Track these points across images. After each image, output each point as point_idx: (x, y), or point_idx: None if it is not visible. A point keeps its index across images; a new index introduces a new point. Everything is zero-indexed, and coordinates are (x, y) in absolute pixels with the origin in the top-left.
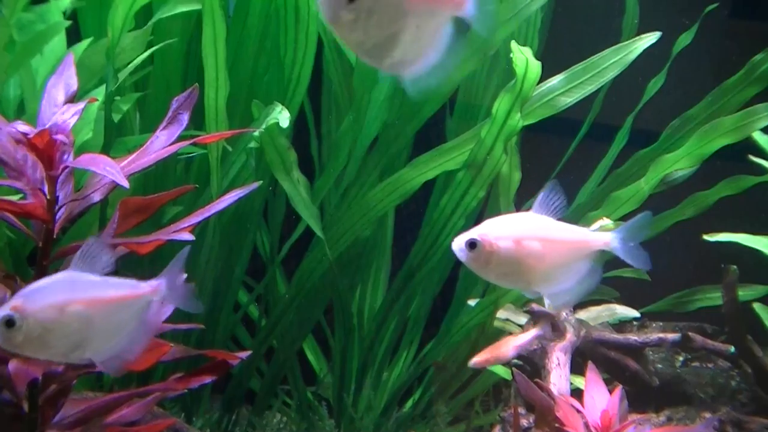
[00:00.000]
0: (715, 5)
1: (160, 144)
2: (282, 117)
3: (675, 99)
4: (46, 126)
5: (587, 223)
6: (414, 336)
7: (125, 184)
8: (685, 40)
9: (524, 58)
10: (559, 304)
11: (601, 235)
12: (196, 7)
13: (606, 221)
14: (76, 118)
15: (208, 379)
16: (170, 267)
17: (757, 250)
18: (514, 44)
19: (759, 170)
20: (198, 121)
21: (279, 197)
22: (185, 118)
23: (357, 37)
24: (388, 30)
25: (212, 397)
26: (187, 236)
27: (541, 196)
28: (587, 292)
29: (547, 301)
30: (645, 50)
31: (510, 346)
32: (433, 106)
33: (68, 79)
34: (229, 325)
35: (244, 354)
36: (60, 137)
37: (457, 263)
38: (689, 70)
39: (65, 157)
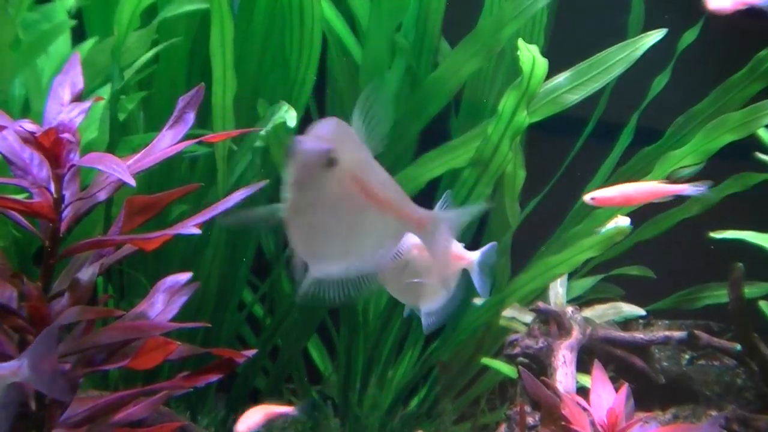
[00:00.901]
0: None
1: (166, 143)
2: (289, 116)
3: (680, 97)
4: (53, 125)
5: (593, 221)
6: (419, 334)
7: (132, 182)
8: (689, 37)
9: (531, 56)
10: (429, 324)
11: (468, 253)
12: (202, 6)
13: (621, 220)
14: (82, 116)
15: (214, 377)
16: (35, 345)
17: (763, 248)
18: (521, 42)
19: (764, 167)
20: (202, 120)
21: None
22: (191, 117)
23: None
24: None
25: (217, 396)
26: (194, 230)
27: (437, 205)
28: (451, 312)
29: (423, 321)
30: (651, 47)
31: (262, 413)
32: (438, 104)
33: (74, 78)
34: (234, 324)
35: (250, 352)
36: (66, 136)
37: None
38: (695, 69)
39: (72, 155)
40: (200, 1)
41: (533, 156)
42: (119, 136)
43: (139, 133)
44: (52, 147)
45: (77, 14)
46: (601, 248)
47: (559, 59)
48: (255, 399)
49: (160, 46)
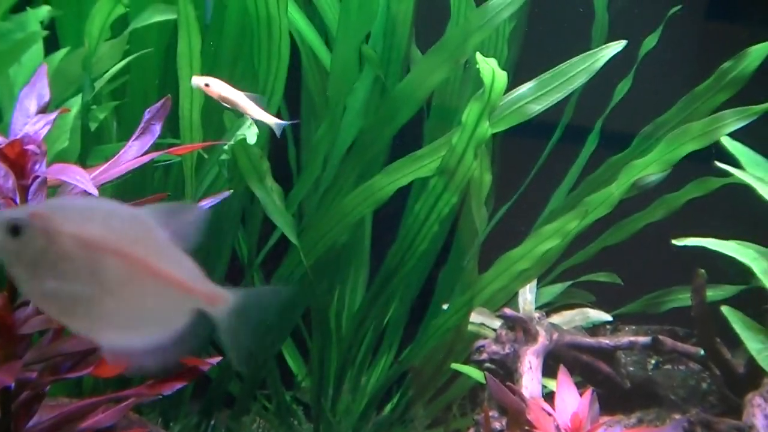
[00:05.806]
0: (679, 7)
1: (132, 154)
2: (250, 133)
3: (653, 103)
4: (18, 136)
5: (562, 223)
6: (393, 339)
7: (95, 192)
8: (650, 42)
9: (490, 68)
10: None
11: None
12: (172, 16)
13: None
14: (47, 128)
15: (179, 385)
16: None
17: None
18: (479, 55)
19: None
20: (176, 130)
21: (256, 202)
22: (157, 128)
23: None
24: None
25: (191, 402)
26: None
27: None
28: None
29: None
30: (613, 57)
31: None
32: (408, 113)
33: (41, 90)
34: (208, 329)
35: (215, 360)
36: (31, 147)
37: (436, 266)
38: (669, 74)
39: (37, 166)
40: (171, 12)
41: (505, 162)
42: (92, 146)
43: (112, 142)
44: (16, 158)
45: (50, 25)
46: (563, 235)
47: (532, 69)
48: (229, 404)
49: (131, 57)
